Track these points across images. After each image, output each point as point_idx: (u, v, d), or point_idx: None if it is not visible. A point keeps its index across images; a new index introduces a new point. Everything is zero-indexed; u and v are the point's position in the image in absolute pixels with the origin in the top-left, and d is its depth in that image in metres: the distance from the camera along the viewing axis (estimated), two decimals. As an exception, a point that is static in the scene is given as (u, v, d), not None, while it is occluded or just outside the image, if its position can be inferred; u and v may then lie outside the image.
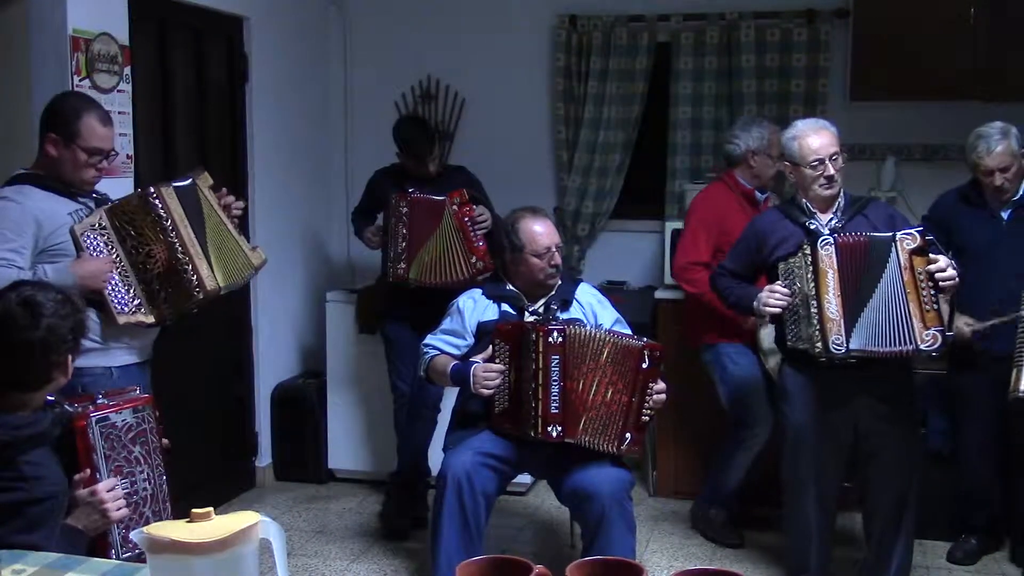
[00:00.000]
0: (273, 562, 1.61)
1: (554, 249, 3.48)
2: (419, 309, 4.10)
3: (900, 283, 3.16)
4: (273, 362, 5.00)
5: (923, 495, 3.55)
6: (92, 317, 2.84)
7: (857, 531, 3.74)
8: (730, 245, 3.94)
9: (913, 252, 3.15)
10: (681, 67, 5.02)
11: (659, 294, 4.72)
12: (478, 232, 4.06)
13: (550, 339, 3.22)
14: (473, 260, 4.05)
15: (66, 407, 2.33)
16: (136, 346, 3.10)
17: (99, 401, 2.39)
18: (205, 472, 4.45)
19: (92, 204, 3.07)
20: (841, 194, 3.42)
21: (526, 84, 5.28)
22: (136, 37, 3.92)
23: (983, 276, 3.71)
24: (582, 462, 3.28)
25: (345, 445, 4.96)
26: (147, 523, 2.17)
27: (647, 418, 3.26)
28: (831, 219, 3.38)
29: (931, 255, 3.15)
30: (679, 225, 4.41)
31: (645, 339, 3.30)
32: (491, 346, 3.36)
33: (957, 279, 3.15)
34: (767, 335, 3.92)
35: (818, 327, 3.21)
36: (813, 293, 3.22)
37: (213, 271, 3.09)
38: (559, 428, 3.23)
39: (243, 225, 3.40)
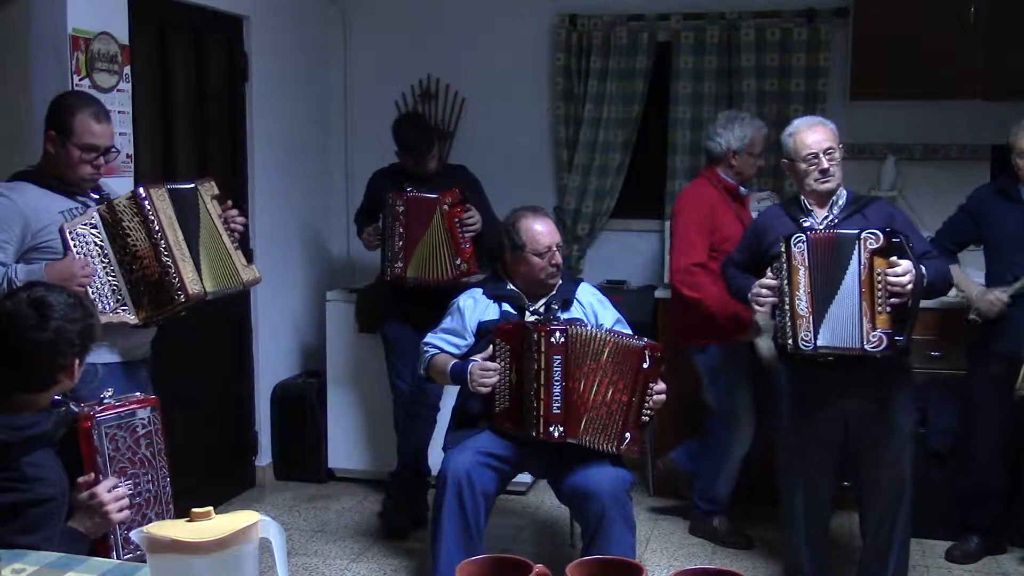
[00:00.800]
0: (273, 562, 1.61)
1: (555, 248, 3.48)
2: (418, 308, 4.10)
3: (858, 281, 3.15)
4: (273, 362, 5.00)
5: (923, 495, 3.56)
6: None
7: (856, 530, 3.74)
8: (722, 240, 3.96)
9: (875, 252, 3.13)
10: (681, 66, 5.02)
11: (659, 293, 4.73)
12: (466, 234, 4.06)
13: (552, 339, 3.22)
14: (458, 262, 4.05)
15: (72, 407, 2.33)
16: (122, 346, 3.08)
17: (106, 402, 2.38)
18: (205, 472, 4.45)
19: (91, 202, 3.07)
20: (842, 192, 3.42)
21: (526, 84, 5.28)
22: (136, 37, 3.92)
23: (1009, 266, 3.73)
24: (582, 462, 3.28)
25: (345, 445, 4.96)
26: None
27: (647, 418, 3.26)
28: (827, 216, 3.38)
29: (892, 258, 3.12)
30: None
31: (646, 339, 3.30)
32: (492, 346, 3.36)
33: (909, 287, 3.09)
34: (764, 341, 3.92)
35: (790, 323, 3.23)
36: (787, 290, 3.24)
37: (201, 276, 3.06)
38: (561, 428, 3.23)
39: (245, 231, 3.35)
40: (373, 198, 4.40)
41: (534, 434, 3.25)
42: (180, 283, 2.99)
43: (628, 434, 3.23)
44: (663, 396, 3.27)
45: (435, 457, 3.99)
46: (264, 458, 4.99)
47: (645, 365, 3.21)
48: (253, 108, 4.75)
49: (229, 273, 3.18)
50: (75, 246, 2.93)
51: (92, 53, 3.64)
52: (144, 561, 1.59)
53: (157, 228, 2.98)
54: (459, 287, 3.81)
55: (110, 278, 2.99)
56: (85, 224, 2.98)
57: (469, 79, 5.30)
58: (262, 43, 4.77)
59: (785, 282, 3.25)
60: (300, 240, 5.22)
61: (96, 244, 2.98)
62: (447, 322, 3.56)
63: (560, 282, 3.55)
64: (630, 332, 3.44)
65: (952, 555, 4.00)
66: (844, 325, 3.17)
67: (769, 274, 3.33)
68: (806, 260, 3.22)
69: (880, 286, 3.12)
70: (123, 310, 3.00)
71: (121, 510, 2.28)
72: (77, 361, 2.27)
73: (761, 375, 4.04)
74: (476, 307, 3.52)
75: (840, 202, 3.41)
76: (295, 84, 5.11)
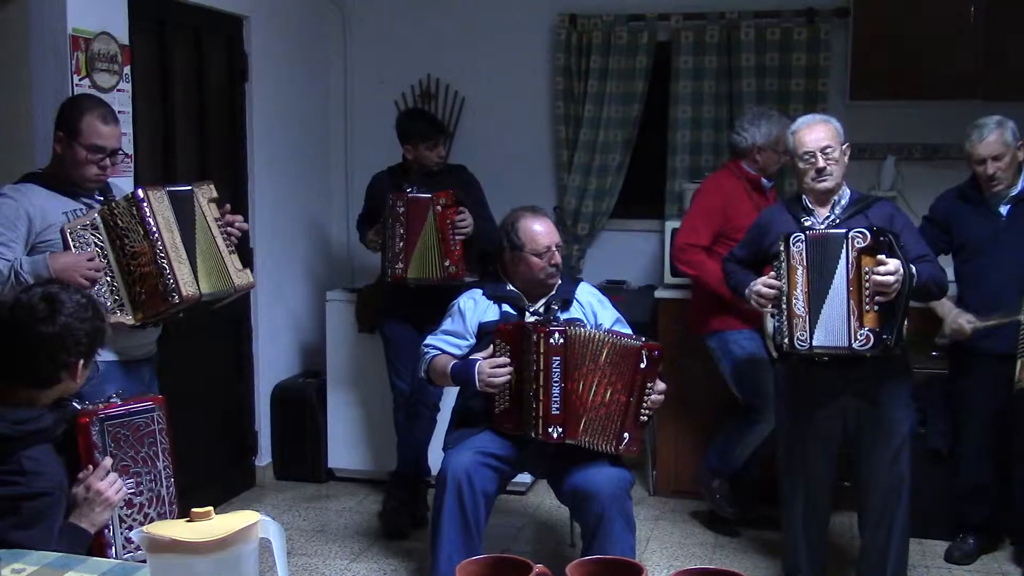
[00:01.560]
0: (273, 562, 1.61)
1: (554, 248, 3.47)
2: (418, 308, 4.10)
3: (846, 280, 3.16)
4: (273, 362, 5.00)
5: (922, 494, 3.56)
6: None
7: (855, 530, 3.74)
8: (735, 229, 3.99)
9: (862, 251, 3.14)
10: (681, 66, 5.02)
11: (659, 293, 4.73)
12: (456, 236, 4.05)
13: (551, 340, 3.22)
14: (446, 264, 4.05)
15: (74, 404, 2.34)
16: (121, 345, 3.08)
17: (111, 400, 2.40)
18: (205, 472, 4.45)
19: (95, 204, 3.09)
20: (845, 192, 3.42)
21: (526, 83, 5.28)
22: (136, 37, 3.92)
23: (982, 272, 3.73)
24: (582, 462, 3.28)
25: (345, 444, 4.96)
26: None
27: (645, 418, 3.26)
28: (828, 216, 3.38)
29: (880, 257, 3.12)
30: (679, 224, 4.41)
31: (644, 339, 3.30)
32: (492, 347, 3.35)
33: (896, 286, 3.10)
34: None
35: (786, 323, 3.23)
36: (785, 290, 3.24)
37: (197, 278, 3.06)
38: (560, 429, 3.23)
39: (244, 236, 3.34)
40: (373, 199, 4.40)
41: (533, 435, 3.26)
42: (175, 285, 2.99)
43: (626, 434, 3.23)
44: (661, 396, 3.27)
45: (435, 457, 3.99)
46: (264, 458, 4.99)
47: (642, 365, 3.21)
48: (253, 108, 4.75)
49: (223, 276, 3.17)
50: (75, 247, 2.96)
51: (92, 53, 3.64)
52: (144, 561, 1.59)
53: (154, 230, 2.99)
54: (455, 288, 3.81)
55: (108, 279, 3.01)
56: (86, 225, 3.00)
57: (469, 79, 5.30)
58: (262, 43, 4.77)
59: (784, 281, 3.26)
60: (300, 240, 5.22)
61: (96, 245, 3.00)
62: (447, 324, 3.55)
63: (560, 282, 3.55)
64: (629, 332, 3.44)
65: (951, 556, 4.01)
66: (835, 324, 3.18)
67: (771, 274, 3.33)
68: (804, 259, 3.22)
69: (867, 285, 3.12)
70: (121, 311, 3.01)
71: (118, 491, 2.28)
72: (82, 362, 2.28)
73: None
74: (476, 308, 3.52)
75: (843, 202, 3.40)
76: (295, 84, 5.11)
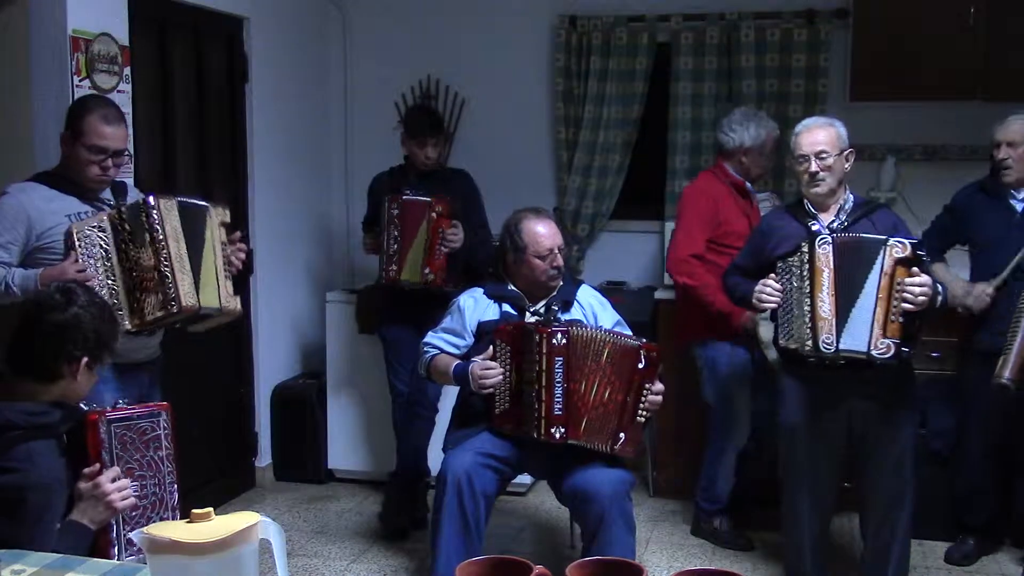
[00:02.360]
0: (273, 562, 1.61)
1: (556, 251, 3.47)
2: (416, 309, 4.10)
3: (877, 287, 3.15)
4: (273, 362, 5.00)
5: (923, 496, 3.56)
6: None
7: (857, 532, 3.74)
8: (724, 235, 3.98)
9: (899, 261, 3.13)
10: (681, 67, 5.02)
11: (659, 294, 4.73)
12: (442, 247, 4.04)
13: (554, 341, 3.22)
14: (426, 271, 4.04)
15: (80, 406, 2.36)
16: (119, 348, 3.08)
17: (117, 404, 2.41)
18: (205, 472, 4.45)
19: (105, 206, 3.10)
20: (849, 196, 3.42)
21: (526, 84, 5.28)
22: (136, 37, 3.92)
23: (994, 265, 3.73)
24: (582, 463, 3.28)
25: (345, 445, 4.96)
26: (154, 527, 2.18)
27: (642, 418, 3.26)
28: (833, 220, 3.38)
29: (914, 269, 3.13)
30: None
31: (643, 340, 3.30)
32: (492, 347, 3.35)
33: (924, 300, 3.10)
34: (767, 331, 3.93)
35: (810, 326, 3.21)
36: (808, 291, 3.22)
37: (197, 290, 3.06)
38: (562, 429, 3.23)
39: (245, 265, 3.36)
40: (373, 201, 4.40)
41: (535, 435, 3.25)
42: (176, 294, 2.99)
43: (622, 434, 3.23)
44: (659, 397, 3.26)
45: (435, 458, 3.99)
46: (264, 459, 4.99)
47: (640, 365, 3.22)
48: (253, 108, 4.75)
49: (216, 296, 3.16)
50: (80, 248, 2.96)
51: (92, 54, 3.64)
52: (144, 562, 1.59)
53: (161, 237, 2.99)
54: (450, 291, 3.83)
55: (109, 282, 3.00)
56: (93, 227, 3.01)
57: (469, 79, 5.30)
58: (262, 43, 4.77)
59: (807, 283, 3.22)
60: (300, 240, 5.22)
61: (101, 247, 3.00)
62: (447, 322, 3.56)
63: (561, 283, 3.55)
64: (629, 333, 3.44)
65: (951, 557, 4.00)
66: (858, 329, 3.16)
67: (773, 276, 3.32)
68: (831, 261, 3.20)
69: (897, 296, 3.12)
70: (118, 314, 3.00)
71: (124, 499, 2.29)
72: (85, 360, 2.28)
73: (762, 375, 4.04)
74: (476, 307, 3.52)
75: (847, 206, 3.40)
76: (295, 84, 5.11)
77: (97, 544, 2.30)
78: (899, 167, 4.82)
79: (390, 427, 4.54)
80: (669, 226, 4.70)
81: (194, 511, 1.53)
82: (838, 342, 3.18)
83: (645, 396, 3.23)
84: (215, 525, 1.50)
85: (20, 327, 2.31)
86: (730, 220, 4.03)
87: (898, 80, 4.57)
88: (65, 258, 2.96)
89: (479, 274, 3.98)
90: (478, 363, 3.34)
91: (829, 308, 3.19)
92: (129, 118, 3.85)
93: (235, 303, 3.24)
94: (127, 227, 3.01)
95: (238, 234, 3.29)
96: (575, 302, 3.53)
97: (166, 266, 2.99)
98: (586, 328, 3.34)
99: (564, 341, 3.22)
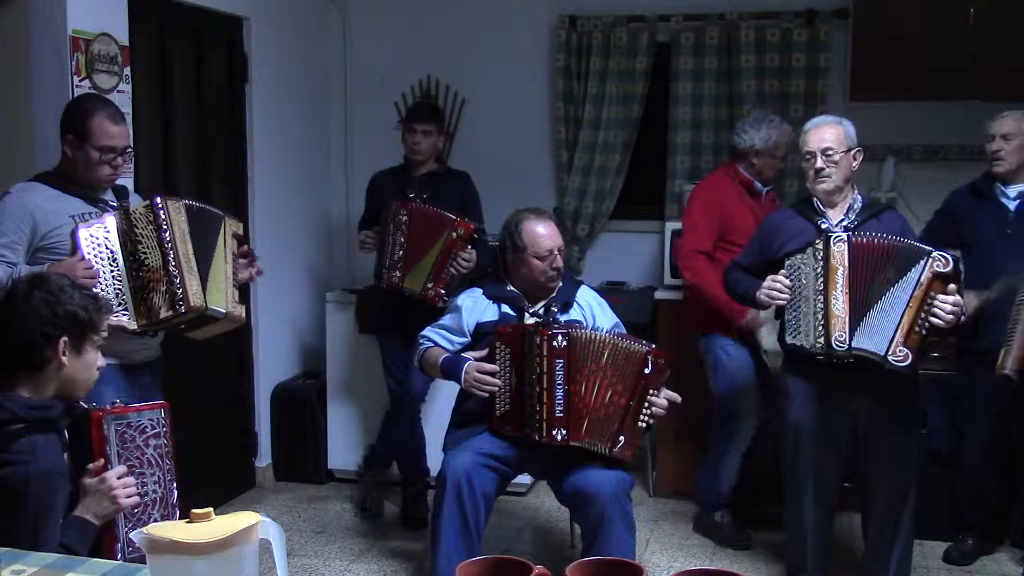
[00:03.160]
0: (273, 563, 1.61)
1: (556, 252, 3.46)
2: (414, 313, 4.09)
3: (910, 295, 3.12)
4: (273, 362, 5.00)
5: (923, 495, 3.55)
6: None
7: (857, 531, 3.74)
8: (731, 232, 3.99)
9: (937, 275, 3.11)
10: (681, 67, 5.02)
11: (659, 294, 4.73)
12: (450, 270, 4.02)
13: (554, 343, 3.21)
14: (429, 286, 4.03)
15: (82, 404, 2.37)
16: (116, 349, 3.03)
17: (117, 403, 2.42)
18: (205, 472, 4.45)
19: (110, 208, 3.09)
20: (857, 196, 3.42)
21: (526, 84, 5.28)
22: (136, 37, 3.92)
23: (989, 266, 3.73)
24: (582, 463, 3.28)
25: (345, 445, 4.96)
26: (155, 526, 2.18)
27: (644, 424, 3.25)
28: (842, 219, 3.37)
29: (951, 287, 3.11)
30: (679, 225, 4.41)
31: (652, 345, 3.29)
32: (492, 348, 3.35)
33: (952, 319, 3.09)
34: (767, 334, 3.93)
35: (822, 323, 3.21)
36: (821, 289, 3.21)
37: (204, 292, 3.06)
38: (564, 431, 3.23)
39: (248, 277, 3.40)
40: (372, 200, 4.39)
41: (537, 437, 3.25)
42: (183, 294, 2.99)
43: (622, 437, 3.23)
44: (665, 403, 3.25)
45: (435, 458, 3.99)
46: (264, 459, 4.98)
47: (647, 370, 3.21)
48: (253, 108, 4.75)
49: (223, 299, 3.17)
50: (87, 248, 2.96)
51: (92, 54, 3.64)
52: (144, 562, 1.59)
53: (168, 238, 2.99)
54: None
55: (116, 282, 3.00)
56: (99, 227, 3.01)
57: (469, 79, 5.30)
58: (262, 43, 4.77)
59: (820, 280, 3.22)
60: (300, 241, 5.22)
61: (107, 248, 3.00)
62: (446, 319, 3.57)
63: (560, 284, 3.55)
64: (633, 336, 3.44)
65: (950, 556, 4.01)
66: (879, 331, 3.15)
67: (783, 272, 3.32)
68: (846, 259, 3.20)
69: (927, 308, 3.11)
70: (123, 314, 3.00)
71: (129, 496, 2.30)
72: (64, 340, 2.28)
73: (767, 374, 4.04)
74: (475, 307, 3.52)
75: (856, 206, 3.40)
76: (295, 84, 5.11)
77: (102, 544, 2.30)
78: (899, 167, 4.82)
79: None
80: (669, 226, 4.71)
81: (194, 511, 1.53)
82: (851, 340, 3.18)
83: (649, 403, 3.22)
84: (215, 525, 1.50)
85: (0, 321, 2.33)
86: (736, 218, 4.06)
87: (898, 80, 4.57)
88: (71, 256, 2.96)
89: (478, 276, 3.98)
90: (474, 364, 3.34)
91: (843, 306, 3.18)
92: (129, 118, 3.84)
93: (240, 311, 3.24)
94: (134, 227, 3.01)
95: (246, 248, 3.31)
96: (574, 303, 3.53)
97: (173, 266, 2.99)
98: (586, 330, 3.34)
99: (565, 343, 3.22)
